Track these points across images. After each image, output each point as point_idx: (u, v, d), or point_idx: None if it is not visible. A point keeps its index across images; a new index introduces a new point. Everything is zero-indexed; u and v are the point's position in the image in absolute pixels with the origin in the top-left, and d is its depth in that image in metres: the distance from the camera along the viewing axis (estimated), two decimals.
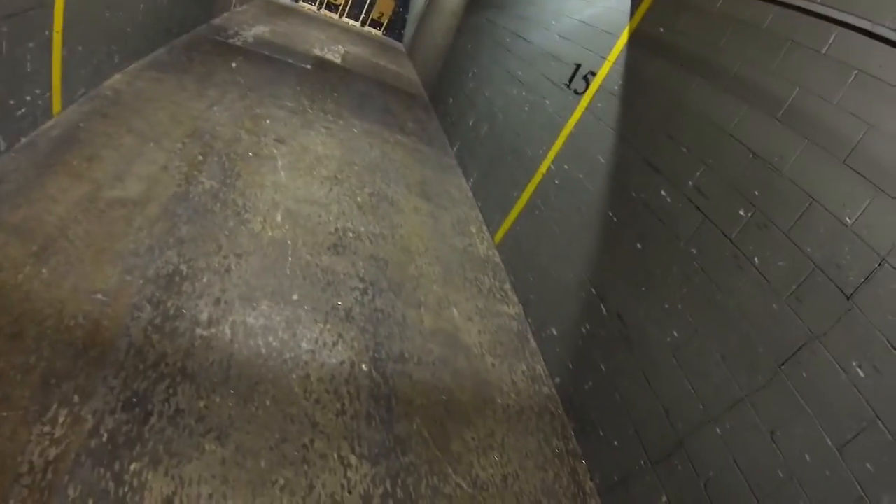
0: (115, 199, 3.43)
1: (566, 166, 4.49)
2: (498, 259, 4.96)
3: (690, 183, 3.09)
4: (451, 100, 8.58)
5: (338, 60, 10.00)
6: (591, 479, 3.01)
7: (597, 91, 4.38)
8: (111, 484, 2.23)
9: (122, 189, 3.55)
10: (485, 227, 5.47)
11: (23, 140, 3.52)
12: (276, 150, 5.01)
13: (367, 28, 16.34)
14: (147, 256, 3.09)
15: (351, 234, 4.23)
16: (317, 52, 9.90)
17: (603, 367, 3.30)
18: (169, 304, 2.83)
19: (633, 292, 3.27)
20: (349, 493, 2.46)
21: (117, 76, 4.94)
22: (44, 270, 2.78)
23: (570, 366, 3.58)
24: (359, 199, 4.86)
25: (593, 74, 4.47)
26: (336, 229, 4.21)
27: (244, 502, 2.32)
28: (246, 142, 4.92)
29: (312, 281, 3.52)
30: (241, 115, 5.43)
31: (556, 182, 4.55)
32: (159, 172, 3.87)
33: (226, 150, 4.62)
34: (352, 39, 13.19)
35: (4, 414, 2.29)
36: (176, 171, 3.97)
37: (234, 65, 6.89)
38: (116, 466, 2.28)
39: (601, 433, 3.11)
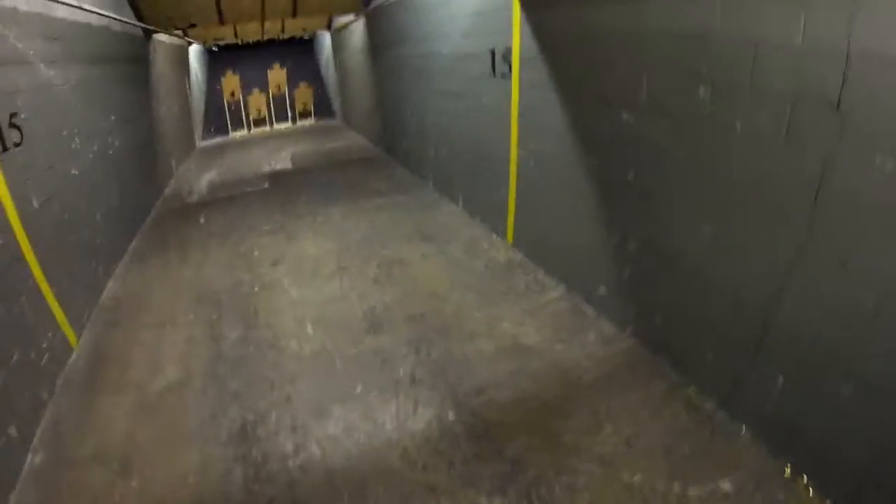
0: (161, 390, 3.54)
1: (531, 144, 4.55)
2: (519, 257, 4.98)
3: (644, 96, 3.12)
4: (403, 143, 8.73)
5: (289, 166, 10.22)
6: (705, 400, 2.97)
7: (520, 64, 4.45)
8: None
9: (163, 378, 3.65)
10: (494, 236, 5.51)
11: (59, 381, 3.64)
12: (277, 274, 5.12)
13: (299, 123, 16.68)
14: (213, 423, 3.17)
15: (379, 310, 4.28)
16: (267, 168, 10.13)
17: (662, 295, 3.29)
18: (254, 454, 2.89)
19: (648, 217, 3.29)
20: None
21: (109, 284, 5.12)
22: (133, 483, 2.85)
23: (634, 310, 3.56)
24: (370, 274, 4.92)
25: (510, 51, 4.54)
26: (364, 312, 4.26)
27: None
28: (247, 280, 5.04)
29: (367, 367, 3.56)
30: (230, 260, 5.57)
31: (531, 162, 4.60)
32: (187, 347, 3.98)
33: (233, 296, 4.74)
34: (292, 140, 13.48)
35: None
36: (201, 338, 4.08)
37: (201, 220, 7.09)
38: None
39: (693, 354, 3.08)
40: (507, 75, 4.68)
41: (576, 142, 3.92)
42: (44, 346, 3.59)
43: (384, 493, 2.61)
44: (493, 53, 4.86)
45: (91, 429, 3.24)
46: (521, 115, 4.63)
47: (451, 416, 3.05)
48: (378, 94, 9.98)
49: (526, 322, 3.92)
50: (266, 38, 14.78)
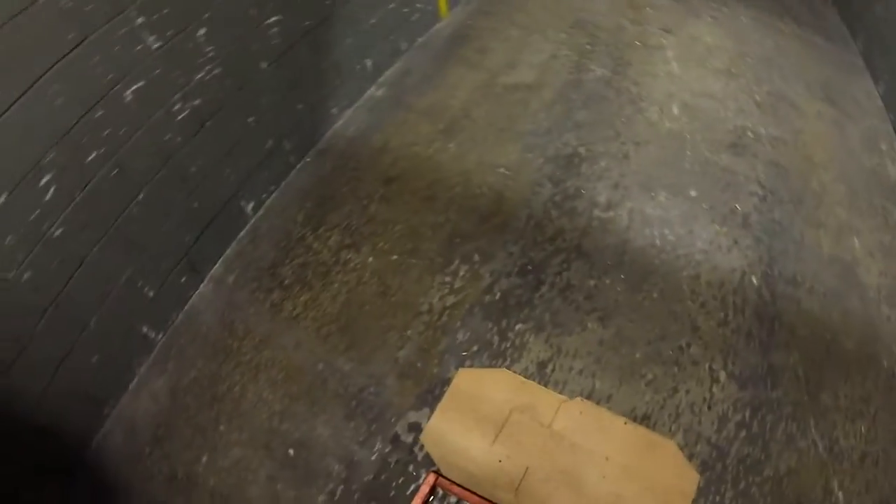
0: (510, 85, 3.63)
1: None
2: None
3: None
4: None
5: None
6: None
7: None
8: (496, 337, 2.48)
9: (516, 75, 3.72)
10: None
11: (419, 40, 3.90)
12: (663, 40, 4.71)
13: None
14: (545, 137, 3.23)
15: (750, 135, 3.81)
16: None
17: None
18: (568, 184, 2.94)
19: None
20: (708, 408, 2.36)
21: None
22: (451, 145, 3.10)
23: None
24: (756, 96, 4.32)
25: None
26: (735, 127, 3.83)
27: (610, 385, 2.38)
28: (631, 31, 4.72)
29: (710, 179, 3.31)
30: (621, 4, 5.20)
31: None
32: (549, 60, 3.95)
33: (611, 39, 4.50)
34: None
35: (413, 261, 2.67)
36: (565, 60, 4.01)
37: None
38: (503, 324, 2.51)
39: None
40: None
41: None
42: (418, 5, 3.81)
43: (656, 297, 2.57)
44: None
45: (434, 88, 3.50)
46: None
47: (755, 280, 2.80)
48: None
49: (875, 256, 3.28)
50: None
